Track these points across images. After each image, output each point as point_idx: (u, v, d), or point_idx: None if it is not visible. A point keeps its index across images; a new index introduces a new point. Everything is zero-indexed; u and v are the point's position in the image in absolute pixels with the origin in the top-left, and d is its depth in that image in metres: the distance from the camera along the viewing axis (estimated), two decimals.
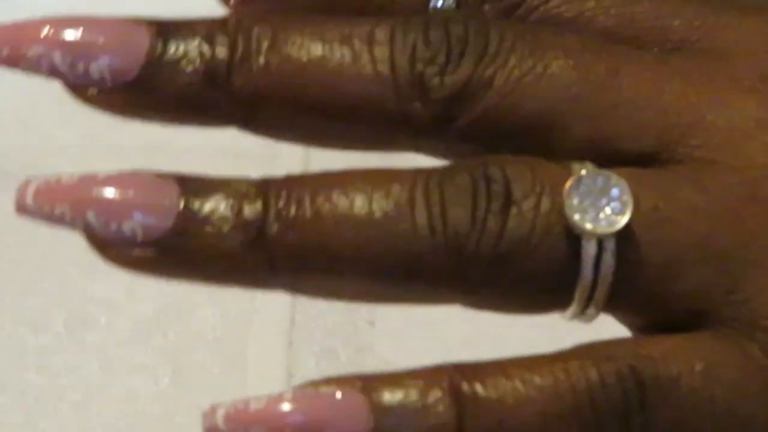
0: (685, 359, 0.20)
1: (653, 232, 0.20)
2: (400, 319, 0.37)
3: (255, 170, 0.41)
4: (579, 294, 0.20)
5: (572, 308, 0.20)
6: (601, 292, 0.20)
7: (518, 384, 0.20)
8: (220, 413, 0.21)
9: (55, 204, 0.21)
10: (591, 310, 0.20)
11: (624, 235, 0.19)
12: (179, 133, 0.44)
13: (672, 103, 0.20)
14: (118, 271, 0.38)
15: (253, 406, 0.21)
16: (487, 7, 0.21)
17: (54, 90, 0.45)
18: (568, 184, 0.19)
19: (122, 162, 0.41)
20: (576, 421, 0.19)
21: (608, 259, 0.19)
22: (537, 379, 0.20)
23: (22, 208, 0.22)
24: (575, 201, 0.19)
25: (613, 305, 0.20)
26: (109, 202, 0.20)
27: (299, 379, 0.35)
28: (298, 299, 0.37)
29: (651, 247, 0.20)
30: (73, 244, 0.39)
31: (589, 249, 0.19)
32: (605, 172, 0.19)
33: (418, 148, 0.21)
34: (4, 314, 0.37)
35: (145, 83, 0.20)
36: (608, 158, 0.20)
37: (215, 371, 0.35)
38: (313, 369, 0.35)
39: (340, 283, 0.21)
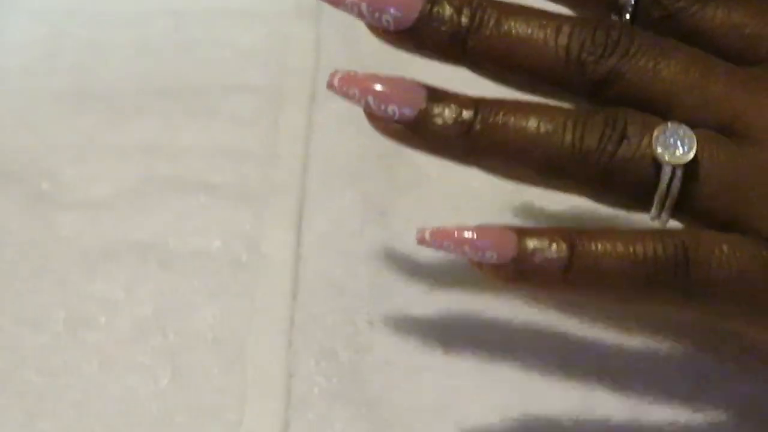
0: (718, 242, 0.31)
1: (707, 170, 0.31)
2: (400, 319, 0.37)
3: (255, 170, 0.42)
4: (656, 201, 0.31)
5: (652, 211, 0.31)
6: (670, 202, 0.31)
7: (611, 244, 0.31)
8: (427, 234, 0.31)
9: (350, 87, 0.32)
10: (664, 216, 0.31)
11: (690, 168, 0.31)
12: (179, 133, 0.44)
13: (733, 102, 0.32)
14: (117, 271, 0.38)
15: (450, 231, 0.31)
16: (655, 12, 0.33)
17: (54, 90, 0.46)
18: (660, 128, 0.31)
19: (122, 162, 0.41)
20: (643, 269, 0.31)
21: (676, 182, 0.31)
22: (625, 240, 0.31)
23: (330, 86, 0.32)
24: (661, 140, 0.31)
25: (678, 214, 0.31)
26: (382, 93, 0.32)
27: (299, 379, 0.35)
28: (298, 299, 0.37)
29: (705, 179, 0.31)
30: (74, 244, 0.39)
31: (666, 172, 0.31)
32: (683, 127, 0.31)
33: (574, 102, 0.32)
34: (4, 314, 0.37)
35: (415, 33, 0.32)
36: (695, 124, 0.31)
37: (215, 371, 0.35)
38: (313, 369, 0.35)
39: (509, 168, 0.32)
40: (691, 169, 0.31)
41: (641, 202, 0.32)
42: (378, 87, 0.32)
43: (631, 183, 0.31)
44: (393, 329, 0.36)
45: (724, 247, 0.31)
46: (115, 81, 0.44)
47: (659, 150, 0.31)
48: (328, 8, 0.47)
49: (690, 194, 0.31)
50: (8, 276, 0.38)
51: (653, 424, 0.34)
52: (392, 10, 0.32)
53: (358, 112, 0.42)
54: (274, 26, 0.47)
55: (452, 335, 0.36)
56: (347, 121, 0.43)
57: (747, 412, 0.33)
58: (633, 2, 0.33)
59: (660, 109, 0.32)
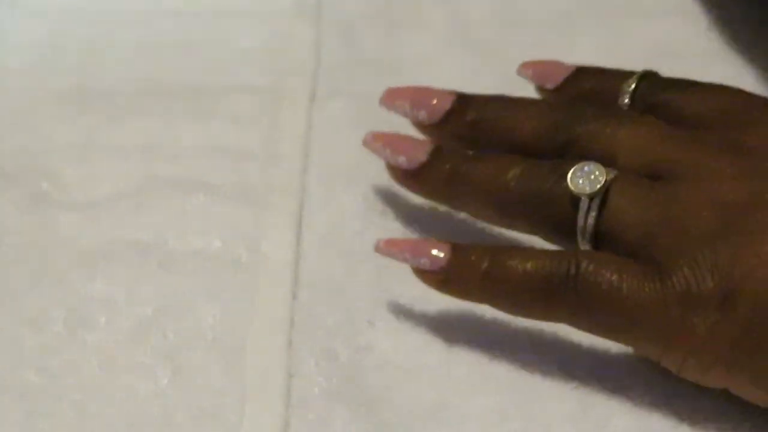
0: (608, 265, 0.33)
1: (619, 205, 0.34)
2: (400, 319, 0.37)
3: (255, 170, 0.42)
4: (578, 232, 0.34)
5: (578, 243, 0.35)
6: (589, 233, 0.34)
7: (522, 260, 0.34)
8: (382, 244, 0.36)
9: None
10: (586, 247, 0.34)
11: (604, 202, 0.34)
12: (179, 133, 0.44)
13: (663, 148, 0.35)
14: (117, 271, 0.38)
15: (397, 242, 0.36)
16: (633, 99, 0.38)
17: (54, 90, 0.46)
18: (576, 166, 0.35)
19: (122, 162, 0.41)
20: (542, 281, 0.34)
21: (592, 214, 0.34)
22: (531, 256, 0.34)
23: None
24: (575, 174, 0.35)
25: (598, 245, 0.34)
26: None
27: (299, 379, 0.35)
28: (298, 299, 0.37)
29: (616, 212, 0.34)
30: (74, 244, 0.39)
31: (583, 204, 0.34)
32: (595, 167, 0.34)
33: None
34: (4, 314, 0.37)
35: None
36: (626, 169, 0.35)
37: (215, 371, 0.35)
38: (313, 369, 0.35)
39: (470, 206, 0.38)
40: (604, 203, 0.34)
41: (570, 235, 0.35)
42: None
43: (559, 216, 0.35)
44: (393, 329, 0.36)
45: (613, 270, 0.33)
46: (115, 81, 0.44)
47: (569, 182, 0.34)
48: (328, 8, 0.48)
49: (605, 226, 0.34)
50: (8, 276, 0.38)
51: (653, 424, 0.34)
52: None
53: (358, 112, 0.42)
54: (274, 26, 0.47)
55: (452, 335, 0.36)
56: (347, 121, 0.43)
57: (747, 410, 0.33)
58: (631, 92, 0.38)
59: (606, 160, 0.35)
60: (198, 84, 0.44)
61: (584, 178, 0.34)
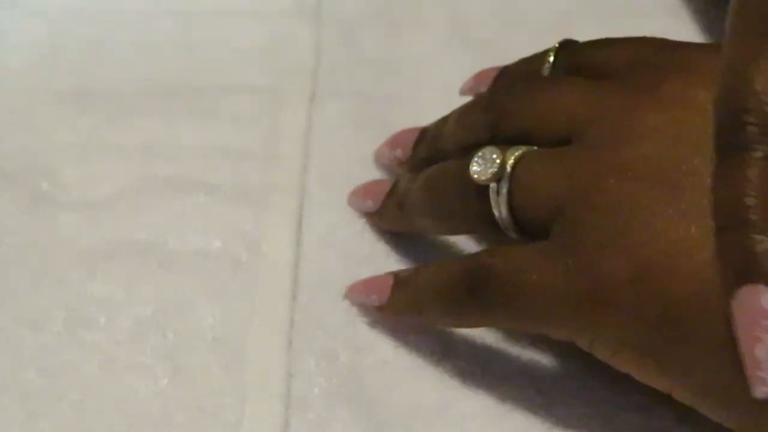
0: (512, 254, 0.32)
1: (526, 184, 0.33)
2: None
3: (255, 170, 0.42)
4: (499, 221, 0.34)
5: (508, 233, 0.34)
6: (507, 219, 0.33)
7: (426, 275, 0.35)
8: (347, 290, 0.37)
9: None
10: (514, 235, 0.34)
11: (511, 185, 0.33)
12: (179, 133, 0.44)
13: (574, 111, 0.33)
14: (117, 271, 0.38)
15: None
16: (560, 58, 0.37)
17: (54, 90, 0.46)
18: (478, 154, 0.34)
19: (122, 162, 0.41)
20: (448, 290, 0.34)
21: (503, 199, 0.33)
22: (436, 269, 0.35)
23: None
24: (476, 161, 0.34)
25: (521, 230, 0.33)
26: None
27: (299, 379, 0.35)
28: (298, 299, 0.37)
29: (525, 192, 0.33)
30: (74, 244, 0.39)
31: (492, 190, 0.33)
32: (492, 150, 0.33)
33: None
34: (4, 314, 0.37)
35: None
36: (538, 143, 0.34)
37: (215, 371, 0.35)
38: (313, 369, 0.35)
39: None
40: (511, 185, 0.33)
41: (495, 225, 0.34)
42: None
43: (478, 210, 0.34)
44: (393, 329, 0.36)
45: (510, 259, 0.32)
46: (115, 81, 0.44)
47: (471, 169, 0.33)
48: (328, 8, 0.48)
49: (519, 210, 0.33)
50: (8, 276, 0.38)
51: (654, 424, 0.34)
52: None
53: (358, 112, 0.42)
54: (274, 26, 0.47)
55: (452, 335, 0.36)
56: (347, 121, 0.43)
57: None
58: (552, 62, 0.37)
59: (526, 135, 0.34)
60: (198, 84, 0.44)
61: (483, 164, 0.33)
